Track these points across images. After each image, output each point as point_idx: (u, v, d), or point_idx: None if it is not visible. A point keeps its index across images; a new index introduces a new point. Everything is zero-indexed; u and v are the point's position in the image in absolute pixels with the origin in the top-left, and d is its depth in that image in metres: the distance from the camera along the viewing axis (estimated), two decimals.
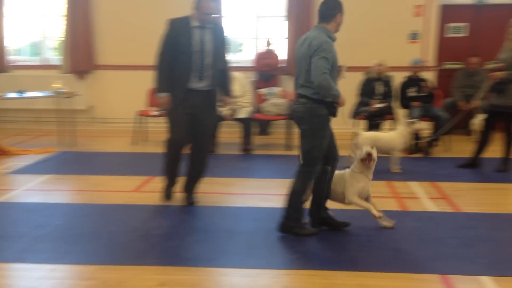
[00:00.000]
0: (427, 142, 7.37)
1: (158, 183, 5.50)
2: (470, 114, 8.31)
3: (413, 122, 6.59)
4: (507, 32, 6.23)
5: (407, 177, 6.20)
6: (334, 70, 4.06)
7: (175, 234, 4.32)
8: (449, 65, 9.30)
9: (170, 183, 5.15)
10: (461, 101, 8.35)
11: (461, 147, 7.85)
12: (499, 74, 6.07)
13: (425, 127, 6.84)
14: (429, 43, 9.02)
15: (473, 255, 3.92)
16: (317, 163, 4.17)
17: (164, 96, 4.74)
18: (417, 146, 7.47)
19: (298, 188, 4.20)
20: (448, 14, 9.17)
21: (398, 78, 7.92)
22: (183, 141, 4.89)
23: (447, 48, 9.28)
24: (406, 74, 7.90)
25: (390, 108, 7.77)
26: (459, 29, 9.25)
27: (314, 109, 4.07)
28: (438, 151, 7.59)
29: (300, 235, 4.23)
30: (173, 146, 4.90)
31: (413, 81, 7.78)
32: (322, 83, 3.92)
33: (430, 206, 5.13)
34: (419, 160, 7.16)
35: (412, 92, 7.72)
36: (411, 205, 5.16)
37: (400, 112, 7.88)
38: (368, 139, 6.46)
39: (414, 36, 9.03)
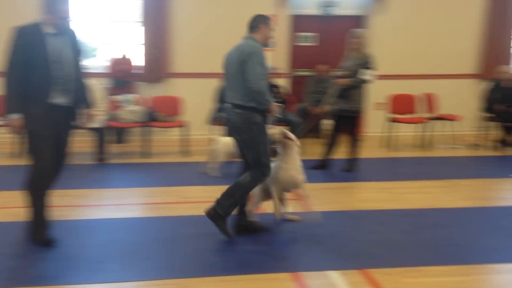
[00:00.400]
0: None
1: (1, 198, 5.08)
2: (321, 118, 8.77)
3: (271, 128, 6.73)
4: (349, 42, 6.66)
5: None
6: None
7: (20, 252, 4.01)
8: (300, 72, 9.75)
9: (41, 226, 4.16)
10: (312, 106, 8.79)
11: (313, 150, 8.23)
12: (343, 81, 6.48)
13: (276, 132, 6.97)
14: (282, 51, 9.38)
15: (321, 251, 4.12)
16: (268, 168, 4.34)
17: (16, 118, 3.97)
18: (272, 150, 7.69)
19: (245, 182, 4.29)
20: (298, 23, 9.61)
21: None
22: (51, 170, 4.13)
23: (298, 56, 9.72)
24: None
25: None
26: (309, 38, 9.74)
27: (250, 118, 4.18)
28: None
29: (222, 230, 4.29)
30: (41, 178, 4.08)
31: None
32: (260, 89, 4.05)
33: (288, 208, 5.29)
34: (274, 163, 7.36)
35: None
36: (268, 207, 5.28)
37: None
38: (225, 144, 6.53)
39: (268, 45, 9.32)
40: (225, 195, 4.32)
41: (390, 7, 9.42)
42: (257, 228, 4.54)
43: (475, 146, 8.36)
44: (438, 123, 8.63)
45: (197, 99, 8.72)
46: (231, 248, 4.19)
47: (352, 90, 6.49)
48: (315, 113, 8.65)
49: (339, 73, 6.57)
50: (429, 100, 8.68)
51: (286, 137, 4.51)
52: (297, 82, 9.61)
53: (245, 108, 4.17)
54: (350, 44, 6.61)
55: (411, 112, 8.67)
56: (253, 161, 4.32)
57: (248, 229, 4.50)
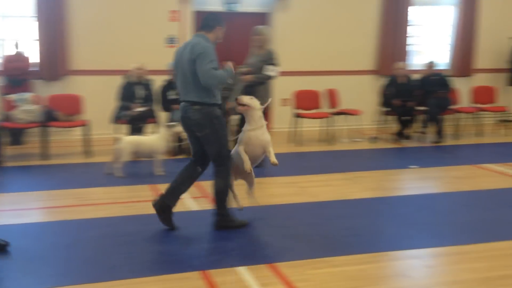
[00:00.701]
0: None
1: None
2: (228, 114, 8.77)
3: (173, 125, 6.67)
4: (253, 39, 6.69)
5: (171, 179, 6.16)
6: None
7: None
8: None
9: None
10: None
11: None
12: (248, 77, 6.51)
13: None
14: None
15: (229, 248, 4.12)
16: (229, 159, 4.48)
17: None
18: (181, 148, 7.61)
19: (221, 185, 4.44)
20: (201, 20, 9.52)
21: (158, 82, 7.97)
22: None
23: None
24: (165, 77, 7.99)
25: (151, 111, 7.79)
26: None
27: (210, 113, 4.29)
28: None
29: (235, 227, 4.49)
30: None
31: (172, 84, 7.90)
32: (212, 82, 4.17)
33: (193, 205, 5.25)
34: (182, 162, 7.26)
35: (172, 95, 7.83)
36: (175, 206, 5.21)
37: (162, 115, 7.94)
38: (130, 143, 6.37)
39: (171, 41, 9.19)
40: (218, 207, 4.49)
41: (292, 5, 9.60)
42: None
43: (375, 139, 8.73)
44: (341, 118, 8.92)
45: (99, 97, 8.44)
46: (136, 249, 4.07)
47: (257, 87, 6.53)
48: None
49: (244, 69, 6.59)
50: (332, 96, 8.95)
51: (239, 104, 4.47)
52: None
53: (203, 104, 4.26)
54: (254, 41, 6.65)
55: (315, 107, 8.90)
56: (216, 155, 4.42)
57: (165, 211, 4.58)
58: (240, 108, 4.52)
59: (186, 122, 4.44)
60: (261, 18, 9.69)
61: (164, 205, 4.52)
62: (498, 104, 9.91)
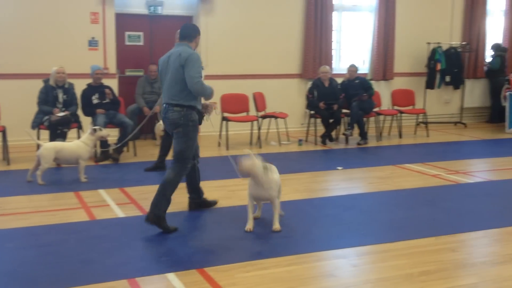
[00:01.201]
0: (114, 148, 7.36)
1: None
2: (154, 120, 8.65)
3: (95, 130, 6.46)
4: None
5: (96, 185, 6.09)
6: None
7: None
8: (130, 73, 9.51)
9: None
10: (144, 107, 8.63)
11: (147, 152, 8.10)
12: None
13: (108, 134, 6.72)
14: (109, 51, 9.06)
15: (158, 254, 4.06)
16: (189, 161, 4.75)
17: None
18: (106, 154, 7.41)
19: (172, 179, 4.61)
20: (125, 22, 9.36)
21: (80, 86, 7.73)
22: None
23: (127, 56, 9.47)
24: (89, 81, 7.77)
25: (74, 116, 7.54)
26: (136, 38, 9.53)
27: (188, 115, 4.65)
28: (126, 157, 7.67)
29: (166, 229, 4.47)
30: None
31: (95, 88, 7.69)
32: (198, 89, 4.56)
33: (119, 212, 5.12)
34: (107, 167, 7.12)
35: (95, 99, 7.62)
36: (100, 213, 5.07)
37: (85, 120, 7.71)
38: (51, 150, 6.14)
39: (93, 43, 8.95)
40: (157, 197, 4.56)
41: (217, 8, 9.61)
42: (209, 203, 5.30)
43: (302, 142, 8.87)
44: (268, 121, 9.00)
45: (16, 102, 8.09)
46: (59, 260, 3.91)
47: None
48: (147, 114, 8.50)
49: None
50: (259, 99, 9.01)
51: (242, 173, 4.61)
52: (127, 82, 9.36)
53: (183, 106, 4.64)
54: None
55: (242, 111, 8.93)
56: (178, 153, 4.71)
57: (202, 205, 5.25)
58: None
59: (166, 122, 4.82)
60: (185, 21, 9.62)
61: (198, 202, 5.23)
62: (417, 107, 10.35)
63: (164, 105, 4.76)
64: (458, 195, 5.84)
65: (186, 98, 4.64)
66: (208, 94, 4.72)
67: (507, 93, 10.31)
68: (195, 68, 4.57)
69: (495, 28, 11.97)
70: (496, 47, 11.46)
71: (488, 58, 11.68)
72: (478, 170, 7.25)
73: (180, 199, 5.57)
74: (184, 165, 4.71)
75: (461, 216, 5.06)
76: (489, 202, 5.62)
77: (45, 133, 7.33)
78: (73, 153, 6.23)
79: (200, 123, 4.80)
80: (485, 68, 11.70)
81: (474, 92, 11.72)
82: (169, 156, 6.81)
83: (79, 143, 6.33)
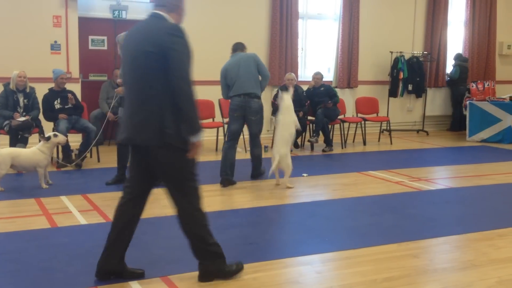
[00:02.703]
0: (77, 154, 7.24)
1: None
2: (118, 125, 8.53)
3: (49, 137, 6.27)
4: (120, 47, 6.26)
5: (58, 191, 5.97)
6: None
7: None
8: (94, 77, 9.38)
9: None
10: (108, 112, 8.50)
11: (111, 157, 7.97)
12: (121, 89, 6.12)
13: (64, 139, 6.53)
14: (72, 55, 8.91)
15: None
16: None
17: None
18: (68, 159, 7.26)
19: (259, 152, 6.82)
20: (88, 26, 9.23)
21: (42, 90, 7.57)
22: None
23: (91, 60, 9.34)
24: (51, 85, 7.62)
25: (35, 121, 7.38)
26: (100, 42, 9.41)
27: (262, 105, 6.55)
28: (89, 163, 7.55)
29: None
30: None
31: (58, 93, 7.54)
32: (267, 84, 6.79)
33: (81, 219, 5.02)
34: (70, 173, 6.99)
35: (58, 104, 7.48)
36: (62, 220, 4.96)
37: (47, 125, 7.55)
38: (8, 156, 5.98)
39: (55, 47, 8.79)
40: (255, 167, 6.87)
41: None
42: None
43: (268, 148, 8.89)
44: None
45: None
46: (19, 267, 3.80)
47: None
48: (111, 119, 8.40)
49: (119, 80, 6.27)
50: (225, 106, 8.97)
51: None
52: (90, 87, 9.22)
53: (259, 97, 6.49)
54: (120, 48, 6.25)
55: (208, 117, 8.91)
56: (258, 132, 6.66)
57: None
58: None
59: (246, 110, 6.40)
60: None
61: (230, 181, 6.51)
62: (380, 114, 10.52)
63: (241, 96, 6.35)
64: (420, 202, 5.94)
65: (258, 90, 6.45)
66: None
67: (468, 102, 10.57)
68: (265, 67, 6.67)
69: (456, 38, 12.28)
70: (457, 57, 11.75)
71: (449, 68, 11.97)
72: (440, 177, 7.40)
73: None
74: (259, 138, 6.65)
75: (423, 223, 5.15)
76: (450, 208, 5.74)
77: (5, 138, 7.15)
78: (30, 160, 6.07)
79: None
80: (446, 77, 11.98)
81: (436, 101, 11.99)
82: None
83: (35, 150, 6.16)
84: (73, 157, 7.27)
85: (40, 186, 6.10)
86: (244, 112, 6.46)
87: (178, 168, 3.50)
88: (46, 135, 6.30)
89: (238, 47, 6.71)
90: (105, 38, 9.42)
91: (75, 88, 8.49)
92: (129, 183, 3.66)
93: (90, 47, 9.34)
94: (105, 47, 9.44)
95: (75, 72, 8.95)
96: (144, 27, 3.46)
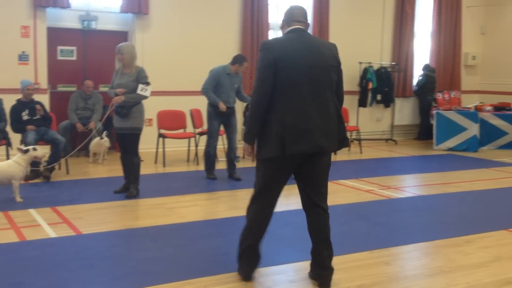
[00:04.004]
0: (46, 166, 7.12)
1: None
2: (88, 136, 8.45)
3: (28, 150, 6.16)
4: (119, 58, 6.18)
5: (26, 205, 5.86)
6: None
7: None
8: (63, 88, 9.27)
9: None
10: (77, 123, 8.41)
11: (80, 169, 7.89)
12: (120, 98, 6.06)
13: (43, 155, 6.42)
14: (41, 65, 8.80)
15: (94, 275, 3.93)
16: None
17: None
18: (36, 172, 7.14)
19: None
20: (57, 36, 9.13)
21: (10, 101, 7.44)
22: None
23: (60, 71, 9.23)
24: (18, 96, 7.49)
25: (3, 132, 7.25)
26: (69, 52, 9.31)
27: None
28: (58, 175, 7.44)
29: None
30: None
31: (26, 104, 7.43)
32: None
33: (51, 232, 4.94)
34: (38, 186, 6.87)
35: (25, 115, 7.36)
36: (31, 234, 4.87)
37: (15, 137, 7.43)
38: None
39: (23, 58, 8.66)
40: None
41: (152, 24, 9.56)
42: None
43: (239, 158, 8.89)
44: (205, 138, 8.96)
45: None
46: None
47: (132, 108, 6.12)
48: (80, 131, 8.32)
49: (117, 90, 6.17)
50: (196, 116, 8.98)
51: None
52: (59, 98, 9.11)
53: None
54: (120, 60, 6.19)
55: (179, 128, 8.88)
56: None
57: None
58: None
59: None
60: (120, 36, 9.53)
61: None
62: (351, 124, 10.65)
63: None
64: (390, 210, 6.04)
65: None
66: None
67: (435, 112, 10.80)
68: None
69: (423, 49, 12.55)
70: (425, 67, 12.02)
71: (417, 78, 12.22)
72: (408, 186, 7.53)
73: (111, 218, 5.47)
74: None
75: (393, 230, 5.23)
76: (419, 216, 5.84)
77: None
78: (5, 173, 5.95)
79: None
80: (414, 87, 12.22)
81: (404, 110, 12.21)
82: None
83: (11, 163, 6.05)
84: (41, 169, 7.15)
85: (15, 199, 5.96)
86: None
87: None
88: (25, 148, 6.18)
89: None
90: (74, 48, 9.32)
91: (44, 99, 8.38)
92: (272, 197, 3.90)
93: (59, 58, 9.23)
94: (74, 58, 9.34)
95: (44, 82, 8.83)
96: (313, 41, 3.67)
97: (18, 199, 5.99)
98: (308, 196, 3.82)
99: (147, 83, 6.16)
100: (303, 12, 3.74)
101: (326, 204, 3.88)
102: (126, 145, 6.29)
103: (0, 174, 5.93)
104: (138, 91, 6.09)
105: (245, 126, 9.22)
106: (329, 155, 3.76)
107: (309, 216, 3.90)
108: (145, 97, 6.18)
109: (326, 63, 3.58)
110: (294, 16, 3.69)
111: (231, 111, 7.39)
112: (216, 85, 7.27)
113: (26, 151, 6.12)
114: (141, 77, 6.15)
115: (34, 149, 6.21)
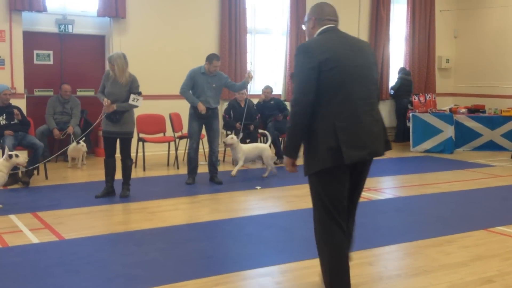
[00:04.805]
0: (24, 172, 7.03)
1: None
2: (67, 141, 8.37)
3: (11, 156, 6.07)
4: (111, 68, 6.23)
5: (6, 210, 5.78)
6: None
7: None
8: (40, 92, 9.16)
9: None
10: (54, 129, 8.32)
11: (59, 174, 7.81)
12: (112, 106, 6.14)
13: (25, 161, 6.31)
14: (17, 70, 8.67)
15: (79, 281, 3.90)
16: None
17: None
18: (15, 177, 7.04)
19: None
20: (33, 41, 9.02)
21: None
22: None
23: (37, 75, 9.12)
24: None
25: None
26: (46, 57, 9.21)
27: None
28: (37, 180, 7.35)
29: None
30: None
31: (3, 108, 7.33)
32: None
33: (33, 238, 4.89)
34: (17, 191, 6.77)
35: (3, 120, 7.26)
36: (12, 240, 4.81)
37: None
38: None
39: None
40: None
41: (130, 28, 9.52)
42: None
43: (219, 162, 8.89)
44: (185, 141, 8.95)
45: None
46: None
47: (123, 114, 6.25)
48: (57, 137, 8.24)
49: (105, 101, 6.16)
50: (175, 120, 8.97)
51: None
52: (36, 102, 9.00)
53: None
54: (111, 69, 6.22)
55: (159, 131, 8.85)
56: None
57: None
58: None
59: None
60: (97, 40, 9.46)
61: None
62: None
63: None
64: (371, 211, 6.10)
65: None
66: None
67: (411, 114, 10.96)
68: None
69: (398, 53, 12.74)
70: (400, 70, 12.21)
71: (393, 81, 12.38)
72: (388, 187, 7.63)
73: (93, 223, 5.43)
74: None
75: (375, 231, 5.30)
76: (399, 217, 5.93)
77: None
78: None
79: None
80: (390, 90, 12.39)
81: (381, 113, 12.33)
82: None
83: None
84: (20, 174, 7.06)
85: None
86: None
87: None
88: (8, 154, 6.07)
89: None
90: (50, 52, 9.23)
91: (20, 103, 8.28)
92: (342, 213, 3.39)
93: (35, 62, 9.12)
94: (51, 62, 9.24)
95: (20, 87, 8.71)
96: (352, 40, 3.44)
97: None
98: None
99: (139, 93, 6.26)
100: (333, 9, 3.48)
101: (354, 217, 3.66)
102: (122, 148, 6.40)
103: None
104: (130, 101, 6.19)
105: (224, 129, 9.28)
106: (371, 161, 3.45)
107: None
108: (136, 107, 6.32)
109: (369, 61, 3.38)
110: (326, 14, 3.43)
111: (211, 112, 7.32)
112: (193, 86, 7.26)
113: (10, 157, 6.04)
114: (133, 87, 6.26)
115: (17, 156, 6.13)
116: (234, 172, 7.60)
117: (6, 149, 6.13)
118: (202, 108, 7.14)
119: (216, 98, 7.41)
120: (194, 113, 7.26)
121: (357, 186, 3.48)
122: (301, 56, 3.24)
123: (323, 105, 3.19)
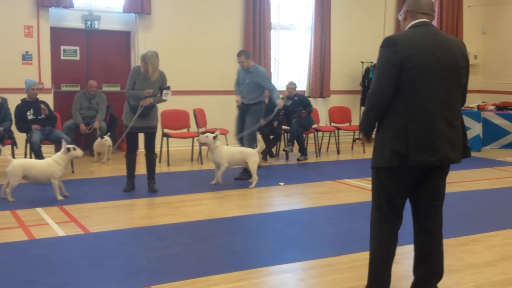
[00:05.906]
0: None
1: None
2: (92, 136, 8.47)
3: (69, 149, 6.15)
4: (144, 66, 6.29)
5: (33, 203, 5.88)
6: None
7: None
8: (66, 88, 9.28)
9: None
10: (81, 124, 8.43)
11: (85, 169, 7.89)
12: (148, 100, 6.30)
13: (82, 153, 6.36)
14: (44, 65, 8.80)
15: (103, 274, 3.94)
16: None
17: None
18: None
19: None
20: (60, 36, 9.14)
21: (14, 101, 7.46)
22: None
23: (63, 71, 9.24)
24: (23, 96, 7.51)
25: (8, 132, 7.26)
26: (72, 52, 9.32)
27: None
28: (64, 174, 7.41)
29: None
30: None
31: (30, 103, 7.44)
32: None
33: (59, 231, 4.96)
34: (44, 185, 6.83)
35: (30, 115, 7.38)
36: (39, 232, 4.89)
37: (20, 136, 7.44)
38: (19, 167, 5.92)
39: (27, 57, 8.67)
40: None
41: (155, 24, 9.57)
42: None
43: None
44: None
45: None
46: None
47: (152, 109, 6.43)
48: (83, 132, 8.34)
49: (146, 91, 6.24)
50: (199, 115, 9.01)
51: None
52: (63, 97, 9.13)
53: None
54: (143, 67, 6.29)
55: (183, 127, 8.90)
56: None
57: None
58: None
59: None
60: (123, 36, 9.54)
61: None
62: (353, 123, 10.66)
63: None
64: None
65: None
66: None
67: None
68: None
69: None
70: None
71: None
72: None
73: (118, 217, 5.48)
74: None
75: (401, 230, 5.21)
76: None
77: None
78: (44, 172, 5.98)
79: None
80: None
81: (463, 119, 12.17)
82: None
83: (50, 162, 6.04)
84: None
85: (56, 198, 6.02)
86: None
87: None
88: (66, 147, 6.17)
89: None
90: (77, 48, 9.34)
91: (48, 98, 8.40)
92: (395, 212, 3.44)
93: (62, 57, 9.24)
94: (78, 57, 9.35)
95: (47, 82, 8.84)
96: (443, 39, 3.20)
97: (59, 197, 6.02)
98: (416, 217, 3.48)
99: (168, 87, 6.44)
100: (430, 2, 3.25)
101: (437, 227, 3.49)
102: (147, 142, 6.53)
103: (40, 173, 5.99)
104: (163, 96, 6.39)
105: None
106: (449, 167, 3.33)
107: (416, 243, 3.57)
108: (165, 101, 6.56)
109: (458, 64, 3.16)
110: (420, 6, 3.21)
111: (245, 107, 7.65)
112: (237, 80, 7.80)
113: (68, 150, 6.12)
114: (163, 83, 6.46)
115: (74, 149, 6.22)
116: (214, 182, 6.97)
117: (64, 143, 6.20)
118: (237, 100, 7.62)
119: (250, 94, 7.58)
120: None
121: (428, 193, 3.38)
122: (385, 49, 3.12)
123: (399, 103, 3.09)
